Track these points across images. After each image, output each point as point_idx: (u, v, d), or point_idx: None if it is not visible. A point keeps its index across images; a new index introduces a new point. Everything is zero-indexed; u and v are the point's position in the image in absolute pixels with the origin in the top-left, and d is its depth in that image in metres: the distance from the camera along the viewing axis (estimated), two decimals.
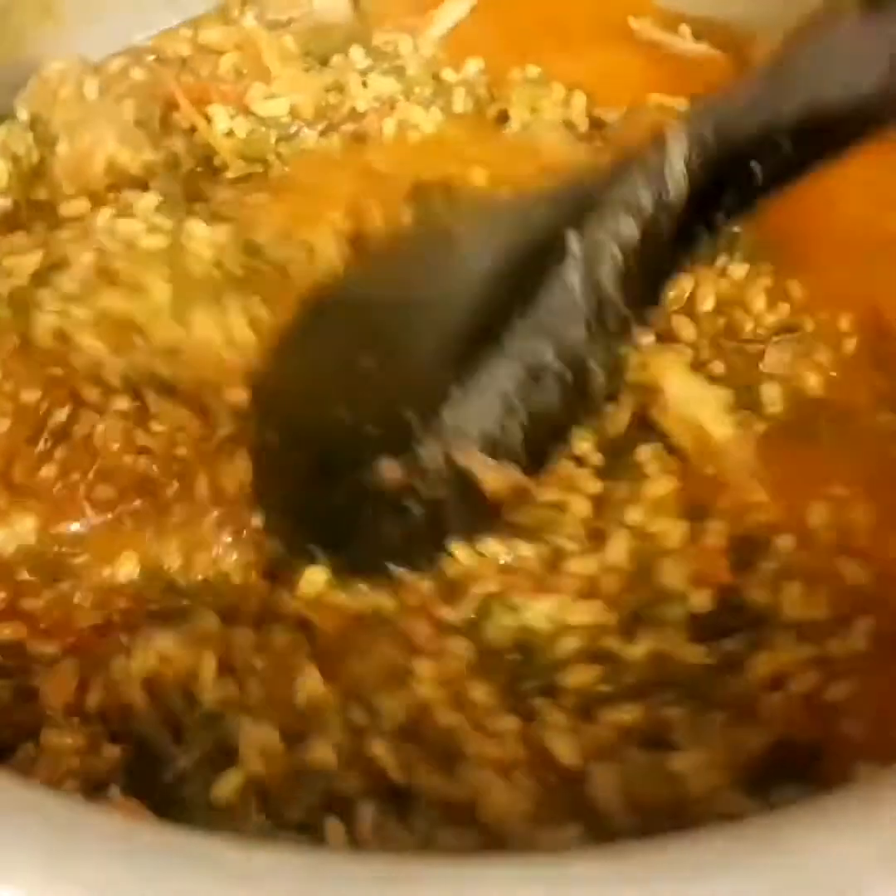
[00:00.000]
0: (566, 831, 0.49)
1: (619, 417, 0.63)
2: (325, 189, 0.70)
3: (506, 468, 0.57)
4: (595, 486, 0.61)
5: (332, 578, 0.57)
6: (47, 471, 0.60)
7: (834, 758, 0.51)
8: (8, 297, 0.66)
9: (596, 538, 0.59)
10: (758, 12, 0.81)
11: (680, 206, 0.55)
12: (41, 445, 0.61)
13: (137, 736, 0.54)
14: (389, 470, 0.56)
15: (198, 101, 0.75)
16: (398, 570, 0.57)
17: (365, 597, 0.57)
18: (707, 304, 0.67)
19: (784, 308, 0.67)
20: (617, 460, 0.62)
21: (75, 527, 0.60)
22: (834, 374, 0.65)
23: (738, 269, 0.69)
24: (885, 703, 0.53)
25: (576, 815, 0.50)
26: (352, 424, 0.58)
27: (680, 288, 0.67)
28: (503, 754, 0.52)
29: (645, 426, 0.62)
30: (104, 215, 0.69)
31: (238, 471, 0.60)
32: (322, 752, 0.52)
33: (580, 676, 0.55)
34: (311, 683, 0.54)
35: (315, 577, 0.58)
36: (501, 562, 0.58)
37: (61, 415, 0.62)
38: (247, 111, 0.76)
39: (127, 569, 0.59)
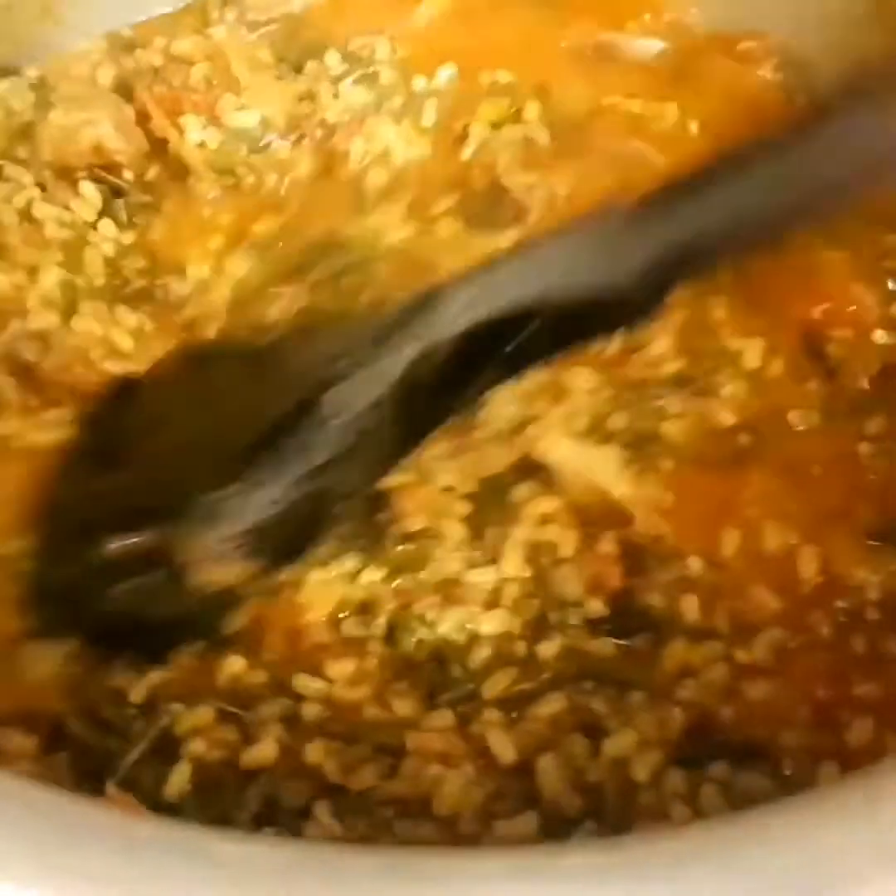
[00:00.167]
0: (524, 822, 0.52)
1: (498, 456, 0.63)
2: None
3: (233, 563, 0.58)
4: (464, 507, 0.62)
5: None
6: None
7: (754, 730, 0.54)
8: None
9: (485, 552, 0.61)
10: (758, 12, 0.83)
11: (442, 364, 0.58)
12: None
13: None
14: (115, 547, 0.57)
15: (170, 112, 0.74)
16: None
17: None
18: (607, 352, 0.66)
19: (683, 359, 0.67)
20: (493, 493, 0.63)
21: None
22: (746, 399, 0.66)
23: None
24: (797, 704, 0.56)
25: (529, 805, 0.52)
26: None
27: None
28: (447, 747, 0.54)
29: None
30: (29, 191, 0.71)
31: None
32: (264, 752, 0.54)
33: (499, 682, 0.57)
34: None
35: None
36: (393, 586, 0.60)
37: None
38: (218, 122, 0.75)
39: None
